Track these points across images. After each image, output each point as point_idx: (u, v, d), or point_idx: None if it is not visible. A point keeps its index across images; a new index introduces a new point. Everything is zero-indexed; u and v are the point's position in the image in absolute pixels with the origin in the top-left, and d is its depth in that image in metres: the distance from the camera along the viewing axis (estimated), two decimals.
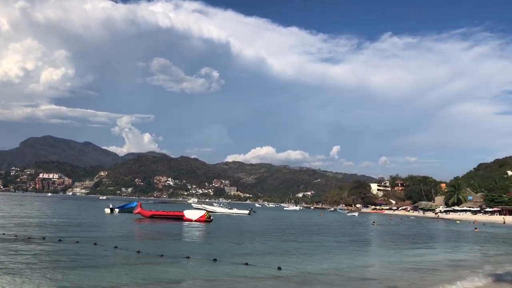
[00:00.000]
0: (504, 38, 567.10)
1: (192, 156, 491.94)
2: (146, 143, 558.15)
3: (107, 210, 56.40)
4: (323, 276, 14.34)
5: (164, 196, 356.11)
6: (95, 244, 19.20)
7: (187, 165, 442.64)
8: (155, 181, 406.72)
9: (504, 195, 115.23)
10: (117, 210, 57.37)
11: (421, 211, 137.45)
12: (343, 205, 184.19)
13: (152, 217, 45.57)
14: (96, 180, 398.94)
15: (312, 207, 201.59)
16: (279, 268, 14.85)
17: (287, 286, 12.63)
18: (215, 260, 16.10)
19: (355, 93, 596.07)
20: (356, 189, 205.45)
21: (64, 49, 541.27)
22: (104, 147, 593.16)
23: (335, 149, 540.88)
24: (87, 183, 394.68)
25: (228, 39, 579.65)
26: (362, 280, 14.25)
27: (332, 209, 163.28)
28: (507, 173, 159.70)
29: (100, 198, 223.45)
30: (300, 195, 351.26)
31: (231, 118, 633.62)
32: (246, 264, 15.43)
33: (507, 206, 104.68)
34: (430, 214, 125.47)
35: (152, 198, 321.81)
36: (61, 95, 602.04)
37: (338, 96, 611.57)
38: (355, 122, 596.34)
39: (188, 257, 16.43)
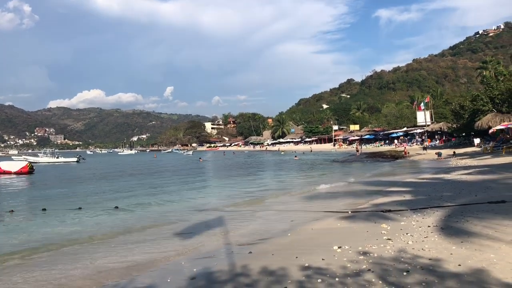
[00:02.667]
0: None
1: (7, 103, 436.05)
2: None
3: None
4: (167, 212, 14.72)
5: None
6: None
7: (1, 114, 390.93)
8: None
9: (320, 126, 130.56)
10: None
11: (252, 146, 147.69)
12: (179, 146, 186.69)
13: None
14: None
15: (148, 150, 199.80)
16: (116, 207, 14.79)
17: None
18: (44, 209, 15.12)
19: (186, 33, 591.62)
20: (191, 129, 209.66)
21: None
22: None
23: (169, 90, 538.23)
24: None
25: None
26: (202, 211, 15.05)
27: (170, 150, 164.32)
28: (322, 107, 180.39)
29: None
30: (135, 138, 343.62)
31: (51, 59, 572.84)
32: (80, 208, 14.93)
33: (323, 136, 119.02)
34: (261, 148, 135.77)
35: None
36: None
37: (169, 35, 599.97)
38: (187, 62, 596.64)
39: (12, 211, 15.05)
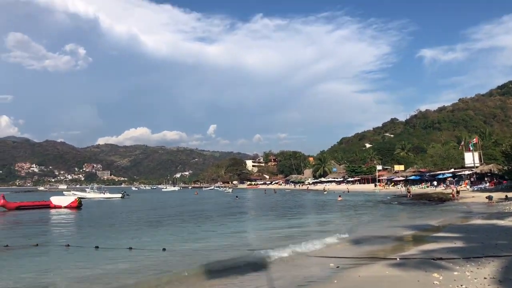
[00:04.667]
0: (361, 23, 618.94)
1: (59, 140, 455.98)
2: (3, 127, 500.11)
3: None
4: (204, 251, 14.78)
5: (28, 184, 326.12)
6: None
7: (54, 150, 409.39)
8: (16, 168, 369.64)
9: (363, 166, 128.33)
10: None
11: (292, 184, 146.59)
12: (221, 183, 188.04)
13: (18, 208, 41.50)
14: None
15: (190, 187, 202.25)
16: (164, 249, 14.98)
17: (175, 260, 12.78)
18: (97, 247, 15.57)
19: (229, 73, 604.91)
20: (233, 166, 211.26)
21: None
22: None
23: (212, 128, 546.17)
24: None
25: (97, 14, 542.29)
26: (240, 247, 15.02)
27: (211, 187, 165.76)
28: (365, 146, 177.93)
29: None
30: (178, 175, 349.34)
31: (101, 98, 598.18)
32: (131, 248, 15.23)
33: (366, 175, 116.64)
34: (301, 186, 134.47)
35: (14, 187, 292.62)
36: None
37: (214, 75, 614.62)
38: (230, 101, 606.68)
39: (68, 245, 15.58)
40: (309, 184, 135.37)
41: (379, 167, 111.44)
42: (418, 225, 21.15)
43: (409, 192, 57.10)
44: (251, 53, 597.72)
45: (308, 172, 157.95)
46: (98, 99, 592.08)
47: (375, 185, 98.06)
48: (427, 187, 76.37)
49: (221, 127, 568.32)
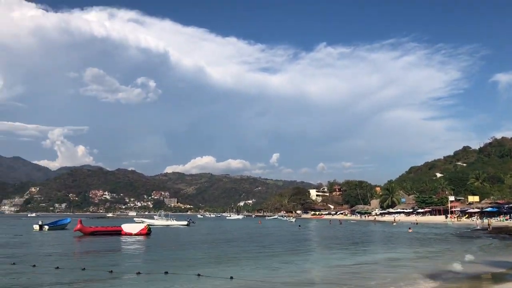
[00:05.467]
0: (429, 48, 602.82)
1: (130, 168, 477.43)
2: (80, 156, 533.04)
3: (36, 227, 53.59)
4: (271, 284, 14.59)
5: (101, 211, 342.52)
6: (34, 266, 18.20)
7: (125, 178, 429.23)
8: (90, 195, 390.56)
9: (434, 196, 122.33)
10: (46, 227, 54.56)
11: (358, 215, 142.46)
12: (284, 212, 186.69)
13: (93, 233, 43.77)
14: (26, 197, 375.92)
15: (254, 215, 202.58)
16: (231, 278, 14.98)
17: None
18: (166, 273, 15.95)
19: (293, 102, 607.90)
20: (296, 195, 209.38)
21: None
22: (35, 162, 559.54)
23: (275, 156, 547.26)
24: (17, 200, 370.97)
25: (166, 49, 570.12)
26: (310, 285, 14.66)
27: (274, 216, 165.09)
28: (435, 175, 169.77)
29: (29, 215, 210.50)
30: (242, 204, 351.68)
31: (169, 128, 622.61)
32: (199, 275, 15.44)
33: (437, 207, 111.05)
34: (367, 217, 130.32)
35: (88, 213, 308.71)
36: None
37: (277, 104, 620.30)
38: (293, 129, 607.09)
39: (139, 273, 16.07)
40: (376, 215, 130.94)
41: (451, 198, 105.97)
42: (499, 262, 19.62)
43: (489, 225, 53.53)
44: (315, 81, 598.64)
45: (375, 202, 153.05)
46: (167, 129, 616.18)
47: (446, 217, 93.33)
48: (506, 219, 71.40)
49: (284, 155, 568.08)
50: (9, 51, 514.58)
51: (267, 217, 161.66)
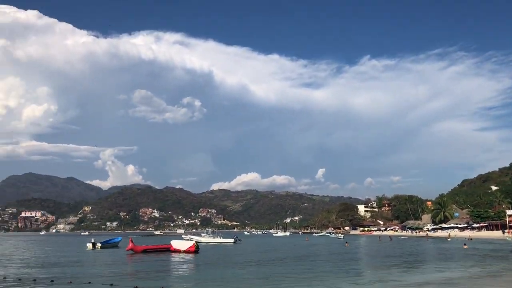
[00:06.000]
0: (478, 57, 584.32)
1: (177, 186, 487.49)
2: (130, 175, 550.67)
3: (89, 246, 55.45)
4: None
5: (150, 229, 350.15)
6: (89, 283, 18.77)
7: (172, 196, 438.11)
8: (140, 213, 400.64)
9: (490, 210, 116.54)
10: (99, 245, 56.38)
11: (409, 231, 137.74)
12: (332, 228, 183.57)
13: (144, 251, 44.82)
14: (80, 216, 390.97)
15: (301, 232, 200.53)
16: None
17: None
18: None
19: (337, 116, 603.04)
20: (344, 211, 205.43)
21: (46, 85, 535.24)
22: (88, 182, 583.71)
23: (321, 172, 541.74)
24: (71, 219, 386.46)
25: (211, 68, 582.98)
26: None
27: (323, 233, 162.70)
28: (491, 188, 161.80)
29: (82, 234, 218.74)
30: (288, 220, 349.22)
31: (215, 146, 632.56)
32: None
33: (493, 221, 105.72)
34: (419, 233, 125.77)
35: (138, 231, 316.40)
36: (42, 131, 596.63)
37: (321, 119, 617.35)
38: (338, 144, 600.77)
39: None
40: (428, 230, 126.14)
41: (509, 212, 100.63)
42: None
43: None
44: (359, 94, 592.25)
45: (426, 217, 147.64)
46: (212, 146, 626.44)
47: (504, 232, 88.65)
48: None
49: (330, 171, 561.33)
50: (64, 77, 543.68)
51: (314, 234, 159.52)
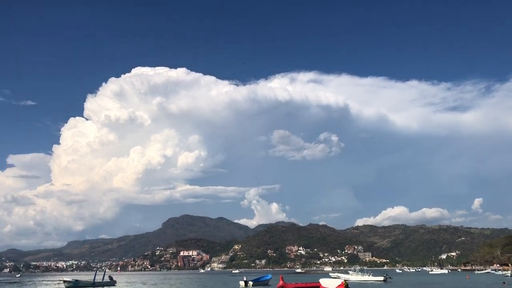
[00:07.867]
0: None
1: (321, 223, 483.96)
2: (274, 213, 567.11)
3: (242, 284, 57.75)
4: None
5: (297, 266, 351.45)
6: None
7: (317, 233, 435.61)
8: (286, 251, 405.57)
9: None
10: (251, 283, 58.36)
11: None
12: (497, 265, 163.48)
13: None
14: (231, 254, 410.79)
15: (460, 269, 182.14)
16: None
17: None
18: None
19: (491, 139, 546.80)
20: (510, 245, 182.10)
21: (197, 133, 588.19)
22: (236, 221, 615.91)
23: (477, 202, 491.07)
24: (223, 257, 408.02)
25: (346, 102, 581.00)
26: None
27: (488, 270, 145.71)
28: None
29: (233, 272, 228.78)
30: (444, 256, 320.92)
31: (355, 180, 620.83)
32: None
33: None
34: None
35: (286, 268, 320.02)
36: (195, 176, 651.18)
37: (472, 144, 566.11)
38: (496, 170, 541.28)
39: None
40: None
41: None
42: None
43: None
44: None
45: None
46: (353, 181, 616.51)
47: None
48: None
49: (488, 200, 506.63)
50: (211, 124, 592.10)
51: (476, 271, 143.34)
